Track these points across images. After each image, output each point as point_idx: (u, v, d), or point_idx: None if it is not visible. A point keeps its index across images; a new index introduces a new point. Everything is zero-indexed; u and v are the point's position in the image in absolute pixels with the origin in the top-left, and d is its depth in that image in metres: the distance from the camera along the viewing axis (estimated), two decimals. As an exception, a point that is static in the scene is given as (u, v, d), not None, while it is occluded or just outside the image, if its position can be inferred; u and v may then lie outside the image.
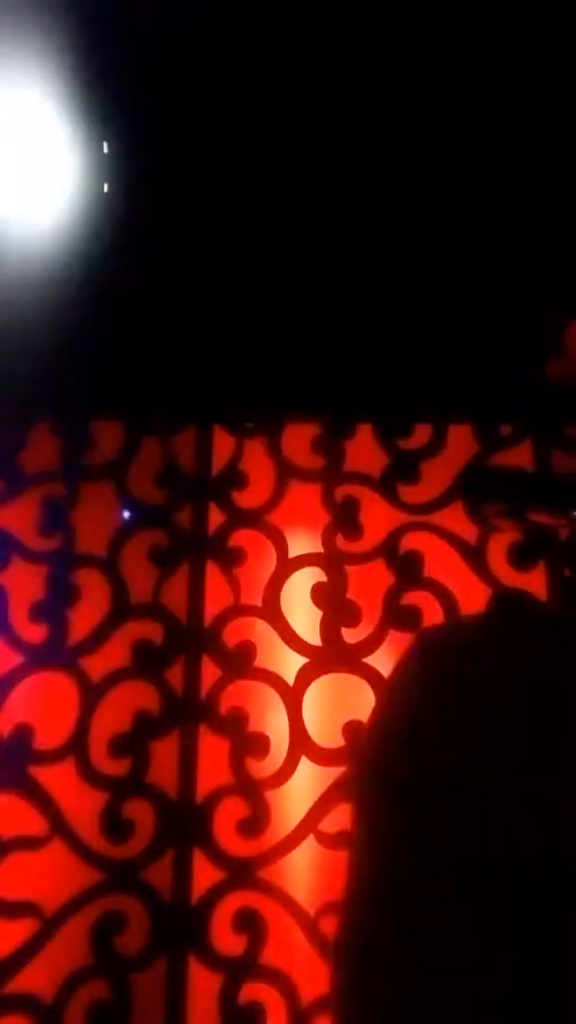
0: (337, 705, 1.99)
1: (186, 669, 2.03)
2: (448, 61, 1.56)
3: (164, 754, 1.98)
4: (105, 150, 1.69)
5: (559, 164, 1.72)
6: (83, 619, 2.07)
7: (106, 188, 1.73)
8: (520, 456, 2.14)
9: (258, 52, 1.60)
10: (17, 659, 2.03)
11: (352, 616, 2.07)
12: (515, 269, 1.89)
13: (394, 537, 2.12)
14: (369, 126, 1.71)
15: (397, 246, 1.87)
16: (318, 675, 2.02)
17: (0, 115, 1.62)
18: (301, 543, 2.14)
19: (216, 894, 1.90)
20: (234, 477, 2.17)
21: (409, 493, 2.15)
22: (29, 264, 1.86)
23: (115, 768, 1.97)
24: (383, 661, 1.99)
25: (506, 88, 1.57)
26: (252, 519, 2.14)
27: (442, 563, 2.10)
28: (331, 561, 2.11)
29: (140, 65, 1.59)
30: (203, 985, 1.86)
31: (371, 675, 1.98)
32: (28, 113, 1.63)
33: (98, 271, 1.91)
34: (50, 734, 1.99)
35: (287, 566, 2.11)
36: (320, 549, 2.12)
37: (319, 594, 2.09)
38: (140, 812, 1.94)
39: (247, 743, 1.99)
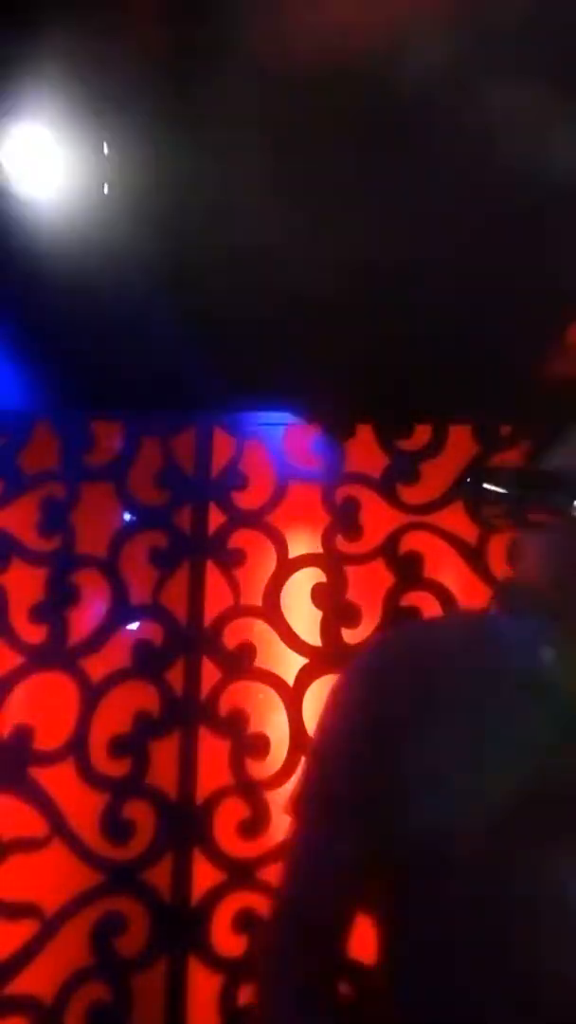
0: (337, 706, 1.98)
1: (186, 669, 2.03)
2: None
3: (164, 754, 1.98)
4: (105, 151, 1.69)
5: (558, 167, 1.72)
6: (83, 619, 2.07)
7: (106, 189, 1.73)
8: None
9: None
10: (17, 659, 2.03)
11: (352, 616, 2.07)
12: (516, 269, 1.89)
13: (394, 537, 2.12)
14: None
15: (397, 246, 1.87)
16: (318, 675, 2.02)
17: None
18: (301, 543, 2.14)
19: (216, 894, 1.90)
20: (234, 478, 2.17)
21: (409, 493, 2.15)
22: (31, 264, 1.86)
23: (115, 768, 1.97)
24: (383, 661, 1.98)
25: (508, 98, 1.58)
26: (252, 519, 2.14)
27: (442, 563, 2.10)
28: (331, 561, 2.11)
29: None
30: (203, 985, 1.86)
31: (371, 675, 1.97)
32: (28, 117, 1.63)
33: (100, 272, 1.91)
34: (50, 734, 1.99)
35: (287, 566, 2.11)
36: (320, 549, 2.12)
37: (319, 594, 2.09)
38: (140, 813, 1.94)
39: (247, 743, 1.99)
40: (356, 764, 0.88)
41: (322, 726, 0.97)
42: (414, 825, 0.83)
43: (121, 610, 2.07)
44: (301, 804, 0.94)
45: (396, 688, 0.88)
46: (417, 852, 0.82)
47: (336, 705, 0.95)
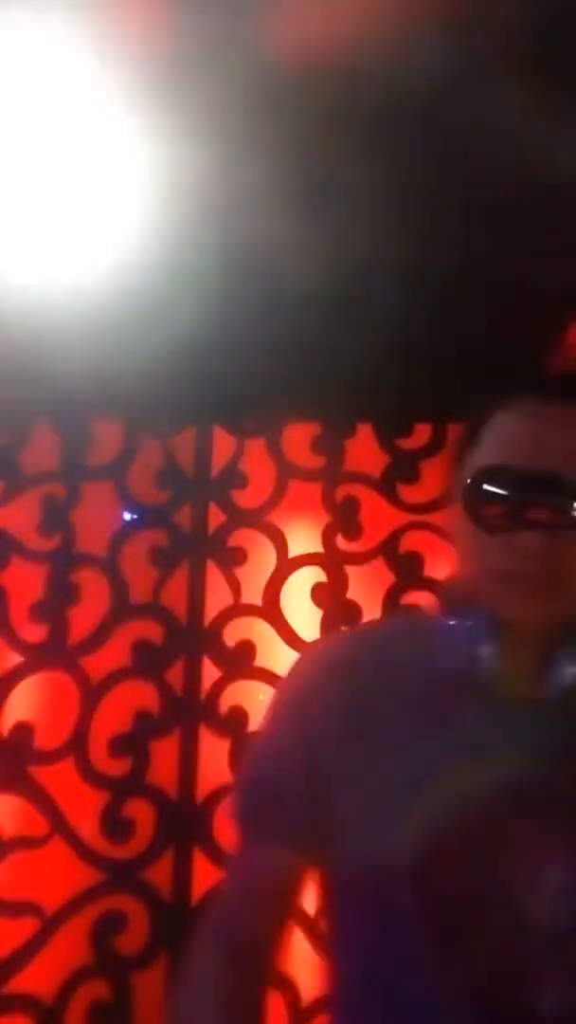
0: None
1: (186, 669, 2.03)
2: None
3: (164, 753, 1.98)
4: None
5: (559, 167, 1.72)
6: (83, 619, 2.07)
7: (106, 190, 1.73)
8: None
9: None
10: (17, 658, 2.03)
11: (352, 615, 2.07)
12: (515, 269, 1.89)
13: (394, 537, 2.12)
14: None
15: (398, 245, 1.87)
16: (318, 675, 2.02)
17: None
18: (301, 543, 2.14)
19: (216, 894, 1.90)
20: (234, 477, 2.17)
21: (409, 492, 2.16)
22: (42, 267, 1.86)
23: (115, 768, 1.97)
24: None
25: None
26: (252, 519, 2.14)
27: (442, 562, 2.10)
28: (331, 560, 2.11)
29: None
30: (203, 985, 1.86)
31: (371, 675, 1.98)
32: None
33: (107, 275, 1.91)
34: (50, 734, 1.99)
35: (287, 566, 2.11)
36: (320, 549, 2.12)
37: (319, 593, 2.09)
38: (140, 812, 1.94)
39: (247, 743, 1.99)
40: (290, 770, 0.87)
41: (259, 734, 0.96)
42: (353, 829, 0.82)
43: (121, 609, 2.08)
44: (235, 812, 0.94)
45: (334, 693, 0.88)
46: (357, 856, 0.81)
47: (271, 714, 0.94)
